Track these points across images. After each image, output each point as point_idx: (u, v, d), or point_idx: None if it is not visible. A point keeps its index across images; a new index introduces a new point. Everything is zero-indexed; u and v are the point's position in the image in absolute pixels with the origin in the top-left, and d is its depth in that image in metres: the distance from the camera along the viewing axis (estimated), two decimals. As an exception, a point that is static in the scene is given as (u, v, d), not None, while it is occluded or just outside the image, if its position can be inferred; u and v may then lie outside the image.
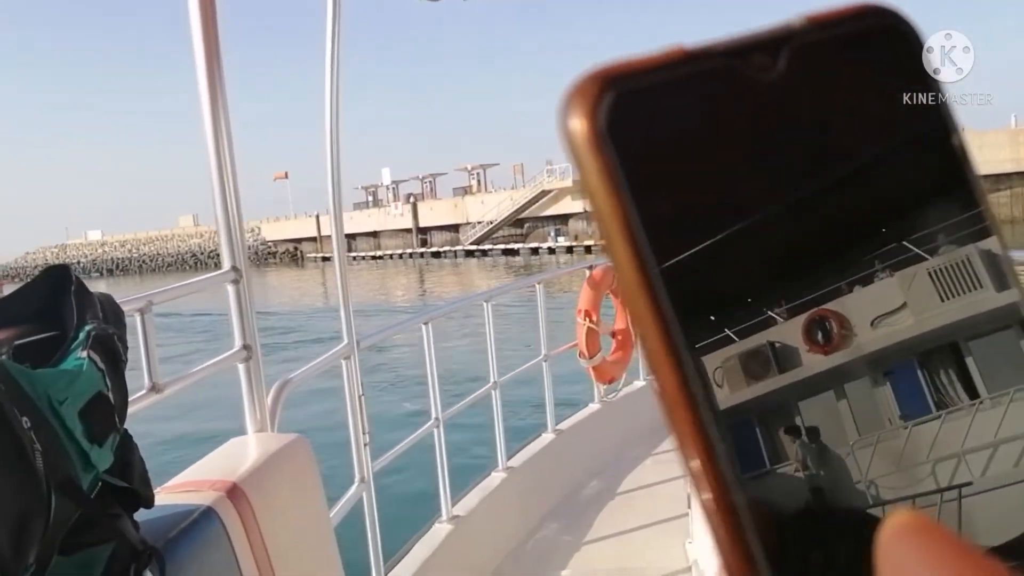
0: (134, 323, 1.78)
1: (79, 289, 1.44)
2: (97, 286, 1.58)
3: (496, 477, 4.10)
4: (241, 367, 2.22)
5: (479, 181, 67.13)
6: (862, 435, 0.25)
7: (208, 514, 1.62)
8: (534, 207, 55.81)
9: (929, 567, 0.18)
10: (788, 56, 0.25)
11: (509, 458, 4.29)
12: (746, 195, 0.24)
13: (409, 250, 62.55)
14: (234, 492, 1.72)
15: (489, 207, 59.03)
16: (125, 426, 1.42)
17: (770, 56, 0.25)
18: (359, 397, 2.97)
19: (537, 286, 5.06)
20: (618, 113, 0.23)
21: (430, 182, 71.86)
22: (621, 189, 0.23)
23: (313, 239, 72.29)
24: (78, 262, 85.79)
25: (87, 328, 1.37)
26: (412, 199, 67.81)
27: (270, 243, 79.07)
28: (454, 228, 61.81)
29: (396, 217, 66.36)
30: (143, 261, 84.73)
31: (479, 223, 58.74)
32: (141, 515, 1.41)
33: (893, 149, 0.26)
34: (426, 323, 3.64)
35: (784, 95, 0.25)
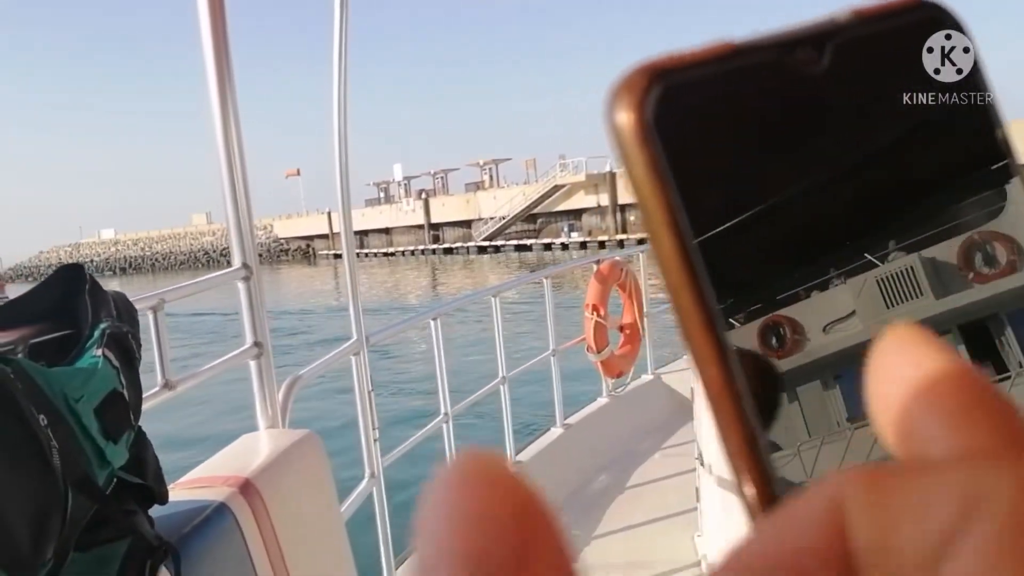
0: (147, 321, 1.79)
1: (93, 288, 1.46)
2: (110, 284, 1.60)
3: (505, 471, 4.12)
4: (252, 364, 2.24)
5: (491, 176, 66.44)
6: (811, 436, 0.25)
7: (221, 510, 1.63)
8: (547, 202, 55.42)
9: (914, 365, 0.18)
10: (833, 50, 0.25)
11: (517, 453, 4.30)
12: (789, 189, 0.25)
13: (421, 247, 62.01)
14: (247, 488, 1.74)
15: (501, 203, 58.47)
16: (139, 423, 1.44)
17: (816, 50, 0.25)
18: (369, 393, 2.99)
19: (545, 281, 5.07)
20: (665, 107, 0.23)
21: (442, 178, 71.13)
22: (667, 182, 0.23)
23: (325, 236, 71.97)
24: (91, 261, 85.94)
25: (102, 326, 1.39)
26: (424, 195, 67.17)
27: (282, 240, 78.86)
28: (466, 224, 61.21)
29: (408, 213, 65.80)
30: (156, 259, 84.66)
31: (491, 219, 58.14)
32: (155, 511, 1.43)
33: (937, 145, 0.26)
34: (435, 319, 3.65)
35: (828, 88, 0.25)
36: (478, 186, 65.93)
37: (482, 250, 56.83)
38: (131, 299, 1.61)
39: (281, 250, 78.22)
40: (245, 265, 2.23)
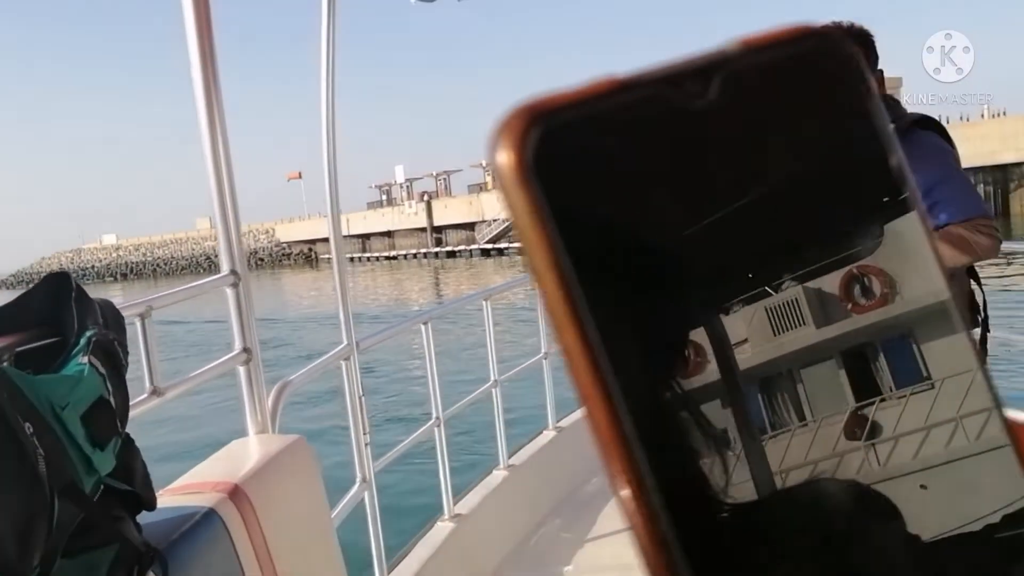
0: (135, 328, 1.79)
1: (79, 295, 1.46)
2: (112, 290, 1.61)
3: (498, 475, 4.12)
4: (241, 370, 2.24)
5: (495, 177, 65.98)
6: (708, 450, 0.26)
7: (210, 515, 1.63)
8: None
9: None
10: (721, 82, 0.25)
11: (510, 456, 4.30)
12: (678, 224, 0.24)
13: (423, 250, 61.34)
14: (236, 493, 1.74)
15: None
16: (127, 430, 1.44)
17: (702, 83, 0.25)
18: (359, 398, 2.99)
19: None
20: (546, 147, 0.23)
21: (445, 179, 70.17)
22: (548, 223, 0.23)
23: (327, 239, 71.41)
24: (92, 267, 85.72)
25: (88, 334, 1.39)
26: (426, 197, 66.26)
27: (284, 244, 78.41)
28: (469, 226, 60.44)
29: (410, 216, 65.13)
30: (157, 264, 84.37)
31: (495, 221, 57.29)
32: (144, 517, 1.43)
33: (831, 172, 0.26)
34: (425, 323, 3.65)
35: (716, 122, 0.25)
36: (481, 187, 64.96)
37: (485, 253, 56.27)
38: (119, 306, 1.61)
39: (283, 254, 77.84)
40: (233, 271, 2.23)
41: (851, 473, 0.26)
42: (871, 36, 2.50)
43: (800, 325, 0.27)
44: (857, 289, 0.27)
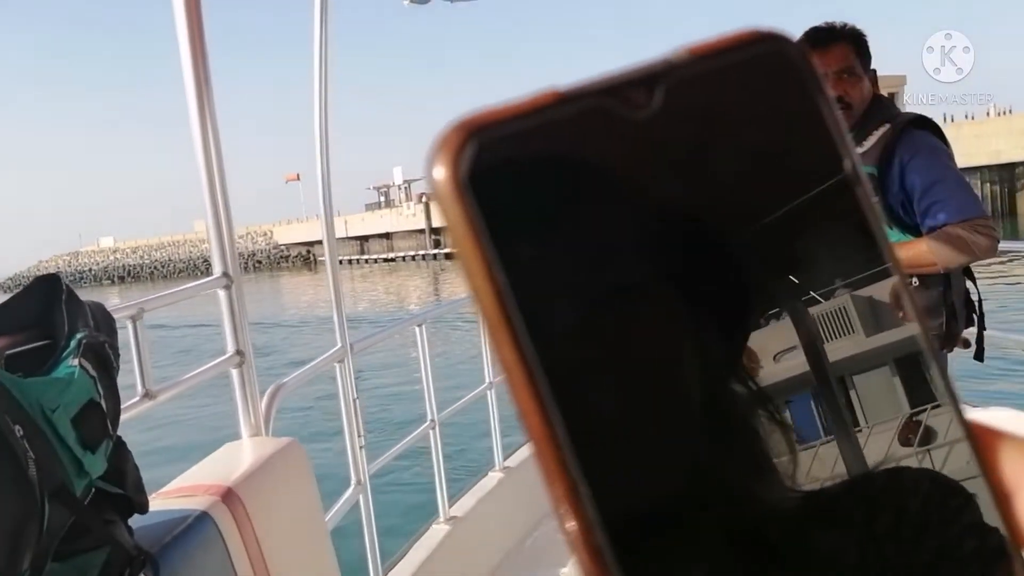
0: (126, 330, 1.79)
1: (70, 298, 1.45)
2: (108, 293, 1.60)
3: (493, 477, 4.11)
4: (235, 372, 2.23)
5: (432, 192, 65.74)
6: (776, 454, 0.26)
7: (203, 519, 1.63)
8: None
9: None
10: (665, 91, 0.24)
11: (506, 458, 4.30)
12: (620, 239, 0.24)
13: (422, 251, 60.45)
14: (229, 497, 1.73)
15: None
16: (119, 433, 1.43)
17: (645, 92, 0.24)
18: (354, 400, 2.98)
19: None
20: (482, 162, 0.23)
21: None
22: (483, 238, 0.23)
23: (334, 238, 70.65)
24: (90, 269, 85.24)
25: (78, 336, 1.39)
26: (425, 198, 64.46)
27: (283, 247, 77.62)
28: None
29: (409, 217, 64.21)
30: (155, 267, 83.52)
31: None
32: (136, 521, 1.43)
33: (783, 181, 0.26)
34: (419, 325, 3.65)
35: (660, 132, 0.24)
36: None
37: (486, 254, 56.16)
38: (110, 309, 1.60)
39: (281, 256, 77.11)
40: (226, 274, 2.22)
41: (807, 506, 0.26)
42: (863, 36, 2.51)
43: (850, 333, 0.27)
44: (906, 299, 0.26)
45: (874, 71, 2.53)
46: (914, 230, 2.37)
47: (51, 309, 1.42)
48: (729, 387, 0.26)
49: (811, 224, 0.26)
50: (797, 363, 0.26)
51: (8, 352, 1.34)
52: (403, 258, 61.98)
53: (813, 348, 0.27)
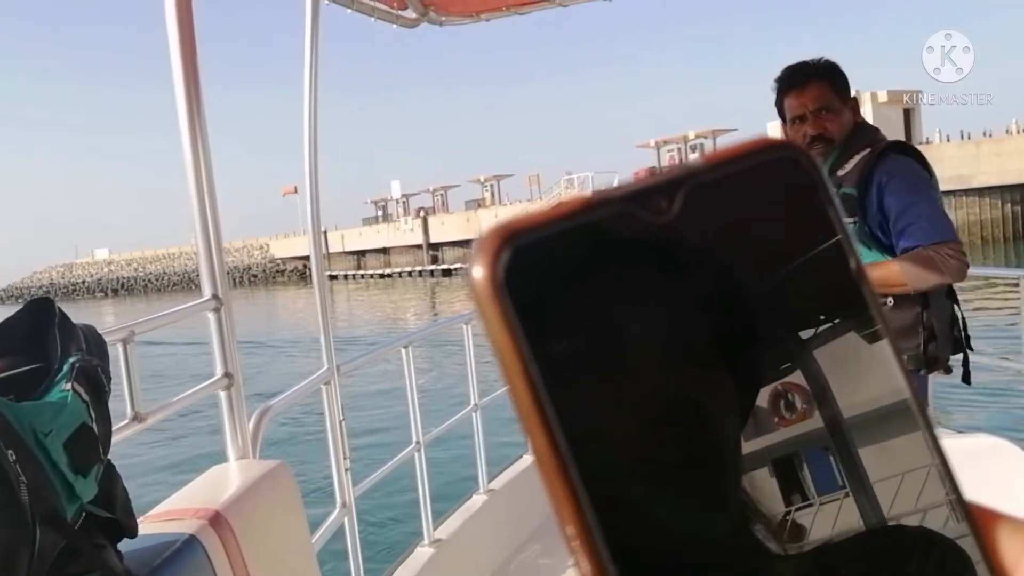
0: (116, 353, 1.79)
1: (62, 321, 1.46)
2: (102, 306, 1.59)
3: (477, 500, 4.10)
4: (223, 394, 2.23)
5: (492, 193, 63.53)
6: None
7: (191, 543, 1.62)
8: None
9: None
10: (684, 196, 0.26)
11: (490, 480, 4.29)
12: (644, 338, 0.26)
13: (419, 267, 59.04)
14: (217, 520, 1.73)
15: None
16: (109, 456, 1.43)
17: (666, 198, 0.26)
18: (340, 422, 2.98)
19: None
20: (517, 264, 0.25)
21: (442, 195, 68.08)
22: (517, 335, 0.24)
23: (323, 256, 68.59)
24: (83, 281, 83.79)
25: (71, 360, 1.39)
26: (423, 213, 63.97)
27: (279, 260, 76.24)
28: (467, 243, 55.67)
29: (406, 232, 62.78)
30: (149, 280, 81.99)
31: None
32: (125, 545, 1.42)
33: (794, 281, 0.28)
34: (406, 347, 3.65)
35: (681, 234, 0.26)
36: (479, 204, 63.00)
37: (484, 271, 54.67)
38: (101, 331, 1.60)
39: (277, 270, 75.80)
40: (215, 296, 2.23)
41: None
42: (837, 68, 2.57)
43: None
44: (783, 404, 0.28)
45: (854, 99, 2.59)
46: (891, 251, 2.42)
47: (44, 332, 1.42)
48: (744, 460, 0.27)
49: (817, 319, 0.28)
50: (802, 424, 0.28)
51: (1, 376, 1.34)
52: (399, 274, 60.55)
53: (823, 410, 0.28)
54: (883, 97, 36.95)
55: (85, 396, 1.35)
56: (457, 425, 4.20)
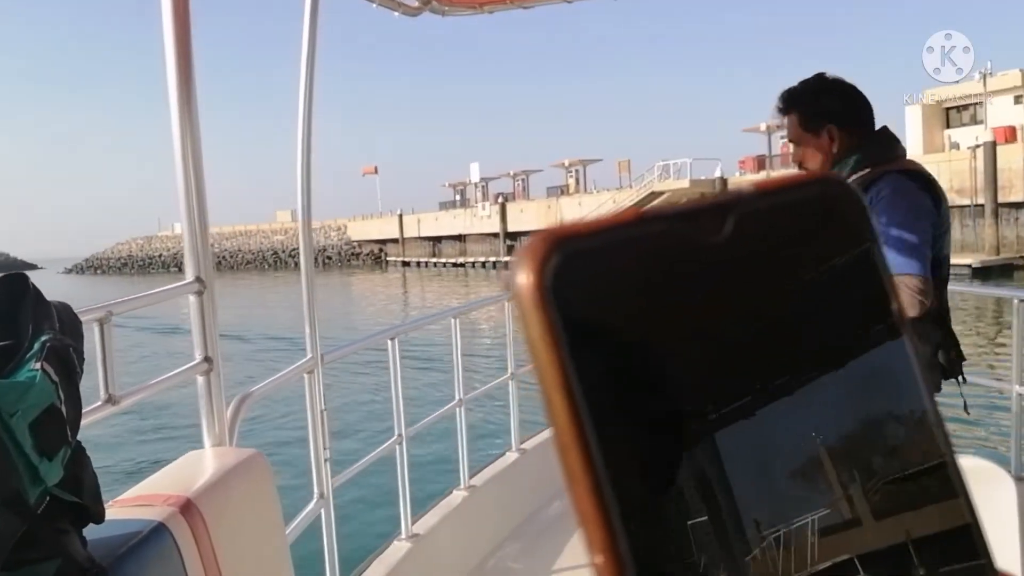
0: (92, 333, 1.75)
1: (37, 299, 1.42)
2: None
3: (457, 495, 4.08)
4: (200, 379, 2.19)
5: (578, 180, 59.43)
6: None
7: (159, 530, 1.59)
8: None
9: None
10: (734, 220, 0.26)
11: (472, 476, 4.27)
12: (688, 356, 0.26)
13: (494, 258, 54.97)
14: (187, 508, 1.70)
15: (587, 210, 48.55)
16: (80, 439, 1.40)
17: (718, 220, 0.26)
18: (321, 412, 2.95)
19: (506, 304, 5.06)
20: (565, 272, 0.24)
21: (523, 180, 64.33)
22: (560, 345, 0.24)
23: (396, 241, 66.85)
24: (159, 255, 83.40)
25: (42, 339, 1.35)
26: (502, 199, 60.13)
27: (355, 243, 74.70)
28: None
29: (483, 219, 59.13)
30: (223, 257, 79.98)
31: None
32: (91, 530, 1.39)
33: (833, 310, 0.28)
34: (392, 339, 3.62)
35: (728, 257, 0.26)
36: (562, 190, 59.04)
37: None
38: (77, 311, 1.57)
39: (353, 253, 74.26)
40: (199, 279, 2.19)
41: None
42: (801, 94, 2.51)
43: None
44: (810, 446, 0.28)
45: (830, 127, 2.46)
46: None
47: (16, 309, 1.39)
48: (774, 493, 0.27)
49: (854, 348, 0.28)
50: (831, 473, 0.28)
51: (-32, 352, 1.31)
52: (473, 264, 56.81)
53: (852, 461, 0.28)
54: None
55: (55, 376, 1.32)
56: (440, 419, 4.18)
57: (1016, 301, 3.56)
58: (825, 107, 2.47)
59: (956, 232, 26.36)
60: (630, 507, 0.24)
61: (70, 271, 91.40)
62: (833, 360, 0.28)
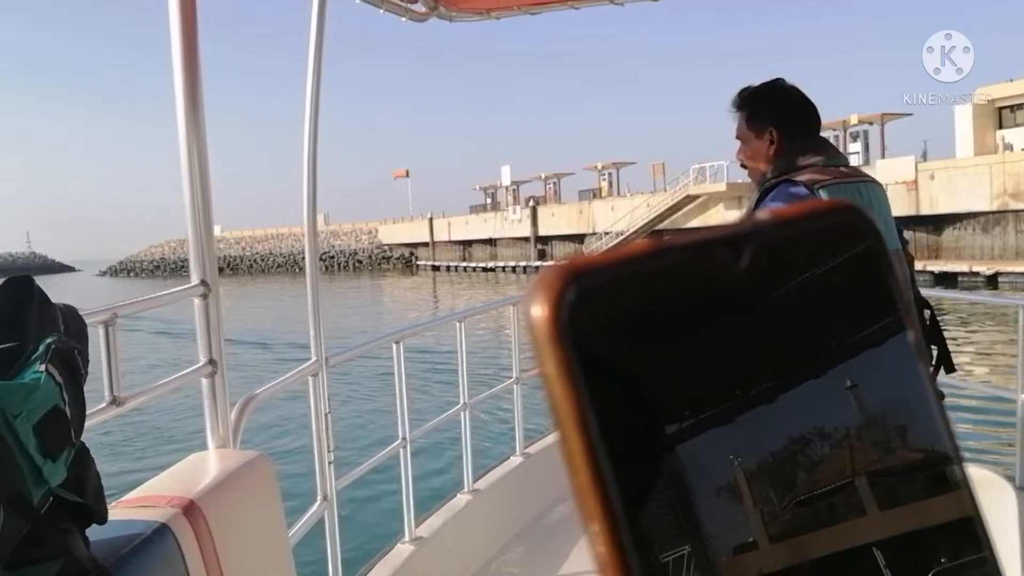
0: (97, 335, 1.77)
1: (42, 301, 1.44)
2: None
3: (462, 499, 4.08)
4: (205, 382, 2.20)
5: (610, 183, 57.47)
6: None
7: (162, 531, 1.60)
8: (675, 216, 44.72)
9: None
10: (751, 251, 0.26)
11: (476, 480, 4.27)
12: (705, 389, 0.25)
13: (524, 263, 53.25)
14: (190, 509, 1.71)
15: (620, 214, 48.39)
16: (84, 440, 1.41)
17: (735, 253, 0.26)
18: (326, 415, 2.96)
19: (511, 308, 5.07)
20: (580, 306, 0.24)
21: (554, 183, 62.44)
22: (577, 380, 0.23)
23: (427, 244, 65.93)
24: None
25: (47, 341, 1.37)
26: (532, 202, 58.73)
27: (386, 247, 74.06)
28: (578, 239, 51.37)
29: (514, 223, 57.46)
30: (254, 260, 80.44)
31: (607, 234, 47.63)
32: (94, 531, 1.40)
33: (851, 340, 0.28)
34: (397, 342, 3.63)
35: (745, 289, 0.26)
36: (594, 194, 56.71)
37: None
38: (82, 313, 1.58)
39: (383, 257, 73.66)
40: (203, 282, 2.20)
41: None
42: (751, 96, 2.55)
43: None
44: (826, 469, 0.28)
45: (772, 129, 2.49)
46: None
47: (22, 311, 1.40)
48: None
49: (872, 382, 0.28)
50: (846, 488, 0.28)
51: (-26, 353, 1.32)
52: (503, 268, 55.29)
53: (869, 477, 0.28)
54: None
55: (59, 378, 1.33)
56: (445, 423, 4.19)
57: (1022, 309, 3.54)
58: (770, 109, 2.52)
59: (1011, 238, 26.47)
60: (649, 558, 0.24)
61: (104, 273, 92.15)
62: (850, 393, 0.28)
